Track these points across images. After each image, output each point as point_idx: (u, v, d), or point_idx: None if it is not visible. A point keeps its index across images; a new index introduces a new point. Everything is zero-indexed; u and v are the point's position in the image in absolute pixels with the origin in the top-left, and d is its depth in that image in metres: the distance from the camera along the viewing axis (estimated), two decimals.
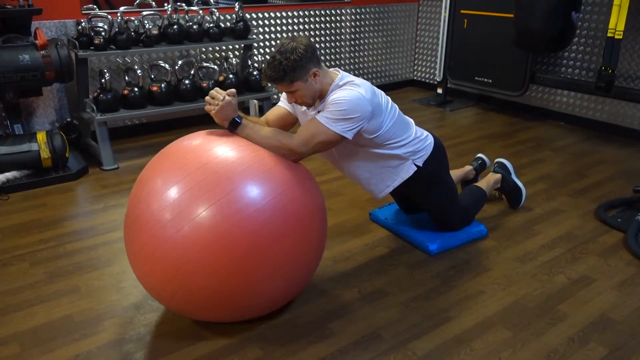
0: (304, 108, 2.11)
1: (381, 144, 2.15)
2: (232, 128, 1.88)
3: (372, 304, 2.10)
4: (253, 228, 1.68)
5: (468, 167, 2.99)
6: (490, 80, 4.69)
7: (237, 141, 1.83)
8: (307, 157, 1.95)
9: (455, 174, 2.86)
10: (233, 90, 1.91)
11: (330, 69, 2.06)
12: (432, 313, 2.05)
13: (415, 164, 2.26)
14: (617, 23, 3.52)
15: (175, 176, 1.72)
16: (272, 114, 2.19)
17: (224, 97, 1.86)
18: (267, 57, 1.93)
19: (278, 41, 4.59)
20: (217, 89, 1.91)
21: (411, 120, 2.31)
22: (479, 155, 3.09)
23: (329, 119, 1.92)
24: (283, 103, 2.18)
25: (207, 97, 1.90)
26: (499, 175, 2.87)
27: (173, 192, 1.69)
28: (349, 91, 1.94)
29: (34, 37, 3.19)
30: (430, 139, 2.33)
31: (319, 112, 2.02)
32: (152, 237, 1.69)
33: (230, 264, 1.67)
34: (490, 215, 2.83)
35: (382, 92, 2.13)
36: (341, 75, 2.02)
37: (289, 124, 2.20)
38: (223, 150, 1.78)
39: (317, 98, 2.03)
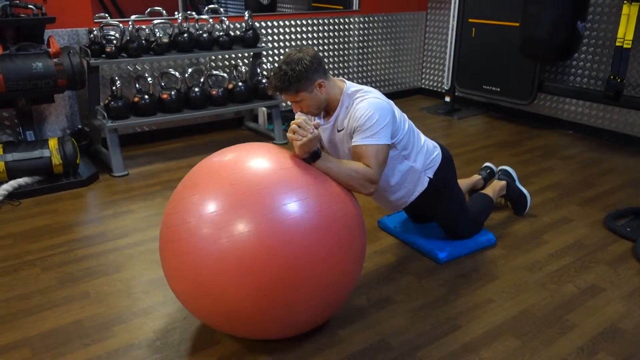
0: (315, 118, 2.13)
1: (400, 151, 2.16)
2: (312, 160, 1.83)
3: (381, 312, 2.10)
4: (292, 245, 1.63)
5: (477, 177, 2.99)
6: (498, 89, 4.69)
7: (271, 157, 1.80)
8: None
9: (465, 183, 2.87)
10: (318, 122, 1.90)
11: (336, 79, 2.08)
12: (440, 321, 2.05)
13: (427, 176, 2.27)
14: (625, 32, 3.52)
15: (213, 192, 1.69)
16: None
17: (313, 130, 1.80)
18: (277, 65, 1.94)
19: (287, 49, 4.62)
20: (305, 119, 1.84)
21: (419, 131, 2.33)
22: (487, 164, 3.09)
23: (371, 136, 1.94)
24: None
25: (293, 126, 1.82)
26: (503, 183, 2.87)
27: (210, 207, 1.65)
28: (367, 102, 1.96)
29: (47, 45, 3.24)
30: (438, 150, 2.34)
31: (338, 129, 2.05)
32: (189, 253, 1.66)
33: (270, 281, 1.62)
34: (498, 224, 2.83)
35: (391, 101, 2.15)
36: (348, 85, 2.04)
37: None
38: (259, 165, 1.75)
39: (324, 108, 2.04)
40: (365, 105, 1.95)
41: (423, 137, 2.31)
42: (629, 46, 3.54)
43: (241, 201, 1.65)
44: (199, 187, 1.74)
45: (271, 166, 1.75)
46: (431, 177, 2.28)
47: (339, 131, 2.06)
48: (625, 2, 3.50)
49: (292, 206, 1.66)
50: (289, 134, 1.84)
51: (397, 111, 2.13)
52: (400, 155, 2.18)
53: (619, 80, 3.65)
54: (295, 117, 2.03)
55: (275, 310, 1.68)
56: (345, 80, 2.07)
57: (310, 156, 1.83)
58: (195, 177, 1.80)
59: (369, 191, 1.93)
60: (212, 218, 1.65)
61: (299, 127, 1.81)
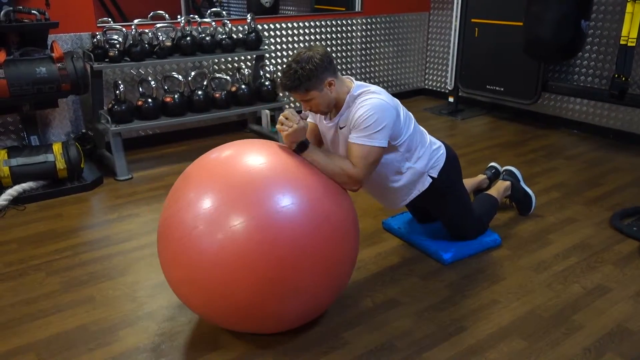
0: (321, 117, 2.14)
1: (403, 152, 2.16)
2: (299, 151, 1.88)
3: (386, 314, 2.10)
4: (287, 239, 1.67)
5: (481, 177, 2.99)
6: (502, 89, 4.68)
7: (268, 153, 1.83)
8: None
9: (469, 183, 2.86)
10: (307, 113, 1.94)
11: (345, 77, 2.08)
12: (446, 323, 2.04)
13: (430, 176, 2.27)
14: (629, 31, 3.51)
15: (209, 187, 1.73)
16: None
17: (299, 121, 1.86)
18: (281, 66, 1.94)
19: (290, 52, 4.62)
20: (292, 111, 1.90)
21: (425, 130, 2.32)
22: (492, 164, 3.08)
23: (366, 136, 1.94)
24: (311, 118, 2.21)
25: (281, 118, 1.89)
26: (508, 183, 2.86)
27: (207, 203, 1.69)
28: (370, 102, 1.96)
29: (51, 50, 3.25)
30: (443, 149, 2.33)
31: (339, 126, 2.06)
32: (184, 247, 1.70)
33: (264, 275, 1.66)
34: (503, 224, 2.82)
35: (397, 100, 2.15)
36: (356, 85, 2.04)
37: (319, 137, 2.23)
38: (257, 161, 1.79)
39: (333, 107, 2.05)
40: (368, 105, 1.95)
41: (428, 138, 2.30)
42: (634, 44, 3.52)
43: (237, 196, 1.68)
44: (195, 183, 1.78)
45: (266, 161, 1.79)
46: (435, 176, 2.27)
47: (341, 129, 2.07)
48: (629, 0, 3.49)
49: (286, 200, 1.70)
50: (277, 125, 1.90)
51: (403, 112, 2.12)
52: (402, 156, 2.17)
53: (623, 78, 3.64)
54: (285, 109, 2.04)
55: (271, 304, 1.71)
56: (354, 80, 2.07)
57: (298, 146, 1.87)
58: (193, 173, 1.84)
59: (351, 188, 1.97)
60: (207, 213, 1.68)
61: (286, 118, 1.87)
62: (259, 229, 1.65)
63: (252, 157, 1.81)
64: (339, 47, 4.96)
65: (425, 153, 2.24)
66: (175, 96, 3.65)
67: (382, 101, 1.97)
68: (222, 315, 1.80)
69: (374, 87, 2.03)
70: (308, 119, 2.21)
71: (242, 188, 1.70)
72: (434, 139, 2.34)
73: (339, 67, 5.02)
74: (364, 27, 5.07)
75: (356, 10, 5.01)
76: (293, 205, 1.70)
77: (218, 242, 1.65)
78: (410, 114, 2.21)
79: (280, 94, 4.02)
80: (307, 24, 4.69)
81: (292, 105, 4.54)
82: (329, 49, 4.89)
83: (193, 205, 1.71)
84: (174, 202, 1.80)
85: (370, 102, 1.96)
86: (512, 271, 2.40)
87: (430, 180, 2.27)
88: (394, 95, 2.19)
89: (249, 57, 4.33)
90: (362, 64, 5.18)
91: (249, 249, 1.64)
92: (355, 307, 2.14)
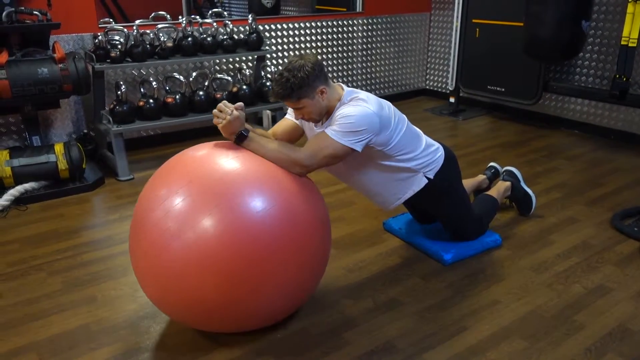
0: (312, 124, 2.13)
1: (392, 156, 2.15)
2: (239, 141, 1.89)
3: (386, 314, 2.10)
4: (255, 237, 1.69)
5: (481, 177, 2.99)
6: (502, 89, 4.68)
7: (240, 153, 1.85)
8: (313, 171, 1.96)
9: (469, 183, 2.86)
10: (241, 103, 1.93)
11: (336, 84, 2.08)
12: (446, 323, 2.04)
13: (426, 177, 2.26)
14: (630, 31, 3.51)
15: (178, 185, 1.74)
16: (279, 127, 2.21)
17: (232, 112, 1.86)
18: (281, 67, 1.95)
19: (291, 52, 4.63)
20: (225, 102, 1.91)
21: (421, 132, 2.32)
22: (492, 164, 3.09)
23: (337, 132, 1.93)
24: (290, 116, 2.20)
25: (215, 111, 1.90)
26: (508, 183, 2.86)
27: (176, 201, 1.71)
28: (356, 107, 1.96)
29: (53, 50, 3.26)
30: (441, 151, 2.33)
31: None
32: (153, 246, 1.71)
33: (231, 273, 1.67)
34: (504, 224, 2.82)
35: (390, 104, 2.14)
36: (347, 92, 2.04)
37: (296, 137, 2.23)
38: (226, 160, 1.80)
39: (324, 114, 2.05)
40: (351, 109, 1.95)
41: (424, 140, 2.29)
42: (634, 45, 3.53)
43: (207, 195, 1.70)
44: (167, 180, 1.79)
45: (238, 161, 1.80)
46: (432, 177, 2.27)
47: None
48: (630, 0, 3.49)
49: (256, 201, 1.72)
50: (214, 120, 1.90)
51: (395, 117, 2.11)
52: (394, 158, 2.16)
53: (624, 79, 3.64)
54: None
55: (240, 303, 1.73)
56: (345, 87, 2.07)
57: (237, 137, 1.88)
58: (166, 170, 1.86)
59: (295, 172, 1.90)
60: (177, 212, 1.69)
61: (220, 111, 1.88)
62: (227, 228, 1.66)
63: (226, 156, 1.82)
64: (339, 48, 4.97)
65: (420, 154, 2.23)
66: (177, 97, 3.66)
67: (367, 109, 1.96)
68: (189, 315, 1.80)
69: (363, 94, 2.03)
70: (287, 116, 2.22)
71: (213, 187, 1.71)
72: (431, 141, 2.33)
73: (339, 67, 5.02)
74: (365, 27, 5.07)
75: (357, 10, 5.01)
76: (263, 205, 1.72)
77: (186, 241, 1.66)
78: (404, 116, 2.20)
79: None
80: (308, 24, 4.70)
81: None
82: (330, 49, 4.90)
83: (163, 203, 1.72)
84: (145, 199, 1.81)
85: (355, 107, 1.96)
86: (512, 271, 2.40)
87: (426, 181, 2.27)
88: (395, 95, 2.19)
89: (250, 57, 4.34)
90: (363, 64, 5.18)
91: (217, 247, 1.66)
92: (356, 307, 2.14)
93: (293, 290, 1.85)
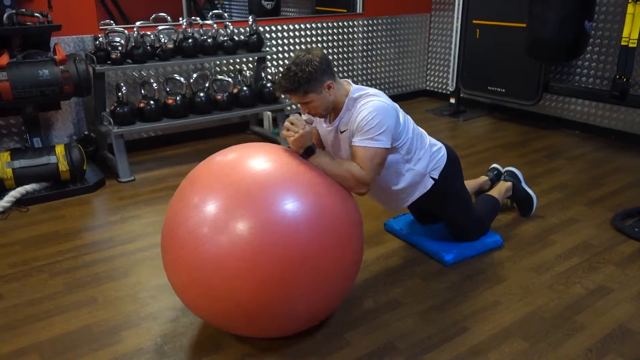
0: (320, 120, 2.14)
1: (404, 154, 2.16)
2: (307, 155, 1.89)
3: (388, 315, 2.10)
4: (291, 242, 1.66)
5: (484, 178, 2.99)
6: (503, 90, 4.68)
7: (270, 156, 1.83)
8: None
9: (471, 184, 2.86)
10: (312, 118, 1.95)
11: (342, 80, 2.09)
12: (447, 324, 2.05)
13: (431, 177, 2.27)
14: (631, 32, 3.51)
15: (214, 190, 1.73)
16: None
17: (305, 126, 1.87)
18: (282, 68, 1.95)
19: (291, 53, 4.63)
20: (297, 116, 1.91)
21: (424, 132, 2.33)
22: (494, 165, 3.09)
23: (370, 139, 1.95)
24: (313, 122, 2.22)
25: (286, 124, 1.90)
26: (509, 184, 2.86)
27: (211, 207, 1.68)
28: (371, 104, 1.97)
29: (53, 52, 3.26)
30: (444, 150, 2.34)
31: (340, 130, 2.06)
32: (188, 251, 1.69)
33: (268, 279, 1.64)
34: (505, 225, 2.82)
35: (394, 103, 2.16)
36: (354, 88, 2.05)
37: (317, 144, 2.23)
38: (262, 164, 1.78)
39: (331, 110, 2.05)
40: (369, 108, 1.96)
41: (428, 139, 2.31)
42: (635, 45, 3.53)
43: (241, 200, 1.68)
44: (200, 186, 1.78)
45: (271, 165, 1.79)
46: (436, 177, 2.28)
47: (341, 132, 2.07)
48: (630, 1, 3.49)
49: (290, 205, 1.70)
50: (283, 132, 1.91)
51: (402, 114, 2.13)
52: (402, 158, 2.18)
53: (624, 79, 3.64)
54: (286, 111, 2.05)
55: (275, 309, 1.71)
56: (351, 83, 2.08)
57: (305, 151, 1.88)
58: (197, 176, 1.85)
59: (359, 192, 1.97)
60: (212, 216, 1.67)
61: (292, 124, 1.88)
62: (263, 232, 1.64)
63: (258, 160, 1.80)
64: (340, 49, 4.97)
65: (426, 154, 2.24)
66: (177, 98, 3.67)
67: (383, 103, 1.98)
68: (225, 319, 1.79)
69: (372, 90, 2.04)
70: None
71: (247, 191, 1.69)
72: (433, 140, 2.34)
73: (340, 68, 5.03)
74: (365, 28, 5.08)
75: (357, 11, 5.02)
76: (297, 209, 1.69)
77: (222, 245, 1.65)
78: (408, 116, 2.22)
79: (282, 96, 4.03)
80: (308, 25, 4.70)
81: (293, 106, 4.55)
82: (330, 50, 4.90)
83: (198, 208, 1.71)
84: (179, 204, 1.80)
85: (371, 104, 1.96)
86: (513, 272, 2.40)
87: (432, 181, 2.28)
88: (396, 96, 2.21)
89: (250, 58, 4.34)
90: (364, 65, 5.19)
91: (253, 252, 1.63)
92: (357, 308, 2.14)
93: (328, 293, 1.81)
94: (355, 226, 1.88)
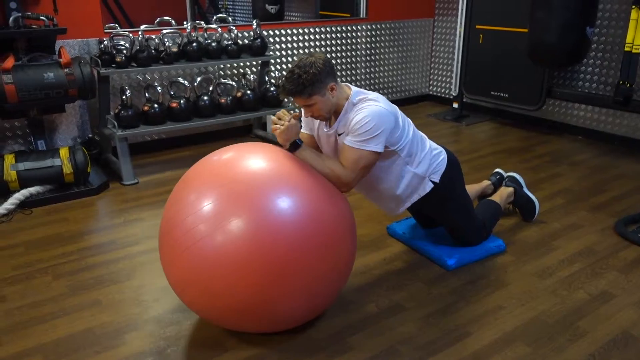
0: (320, 124, 2.15)
1: (404, 157, 2.17)
2: (293, 149, 1.93)
3: (390, 319, 2.10)
4: (285, 241, 1.71)
5: (486, 183, 2.99)
6: (506, 95, 4.68)
7: (269, 155, 1.88)
8: (355, 186, 2.04)
9: (473, 189, 2.86)
10: (298, 113, 1.98)
11: (343, 84, 2.10)
12: (450, 328, 2.04)
13: (431, 181, 2.28)
14: (634, 37, 3.51)
15: (208, 189, 1.77)
16: None
17: (290, 119, 1.93)
18: (285, 72, 1.98)
19: (295, 57, 4.64)
20: (284, 110, 1.98)
21: (425, 136, 2.34)
22: (497, 170, 3.09)
23: (361, 141, 1.97)
24: (305, 129, 2.25)
25: (273, 118, 1.96)
26: (511, 189, 2.87)
27: (206, 205, 1.73)
28: (368, 109, 1.99)
29: (58, 55, 3.28)
30: (444, 154, 2.35)
31: (338, 133, 2.08)
32: (184, 248, 1.73)
33: (262, 276, 1.69)
34: (507, 230, 2.82)
35: (396, 107, 2.17)
36: (354, 91, 2.07)
37: (315, 148, 2.25)
38: (257, 163, 1.83)
39: (333, 112, 2.07)
40: (365, 112, 1.98)
41: (428, 143, 2.31)
42: (638, 51, 3.53)
43: (236, 199, 1.72)
44: (196, 184, 1.82)
45: (266, 165, 1.83)
46: (437, 181, 2.28)
47: (339, 135, 2.09)
48: (633, 7, 3.50)
49: (284, 204, 1.74)
50: (272, 125, 1.96)
51: (402, 118, 2.14)
52: (402, 161, 2.19)
53: (628, 85, 3.64)
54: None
55: (271, 304, 1.75)
56: (352, 87, 2.09)
57: (291, 145, 1.93)
58: (194, 175, 1.88)
59: (341, 190, 2.00)
60: (207, 215, 1.71)
61: (279, 118, 1.94)
62: (258, 230, 1.69)
63: (253, 159, 1.85)
64: (343, 53, 4.99)
65: (426, 157, 2.25)
66: (181, 101, 3.68)
67: (381, 108, 2.00)
68: (221, 315, 1.83)
69: (372, 94, 2.06)
70: (303, 130, 2.24)
71: (243, 190, 1.73)
72: (434, 144, 2.35)
73: (343, 73, 5.04)
74: (368, 33, 5.09)
75: (361, 16, 5.04)
76: (292, 208, 1.74)
77: (217, 242, 1.69)
78: (409, 119, 2.23)
79: (285, 100, 4.04)
80: (312, 30, 4.72)
81: (296, 110, 4.56)
82: (333, 55, 4.92)
83: (193, 206, 1.75)
84: (175, 204, 1.83)
85: (368, 108, 1.99)
86: (516, 277, 2.40)
87: (432, 185, 2.28)
88: (399, 101, 2.22)
89: (254, 62, 4.36)
90: (367, 69, 5.20)
91: (249, 249, 1.68)
92: (359, 312, 2.14)
93: (320, 291, 1.86)
94: (347, 226, 1.92)
